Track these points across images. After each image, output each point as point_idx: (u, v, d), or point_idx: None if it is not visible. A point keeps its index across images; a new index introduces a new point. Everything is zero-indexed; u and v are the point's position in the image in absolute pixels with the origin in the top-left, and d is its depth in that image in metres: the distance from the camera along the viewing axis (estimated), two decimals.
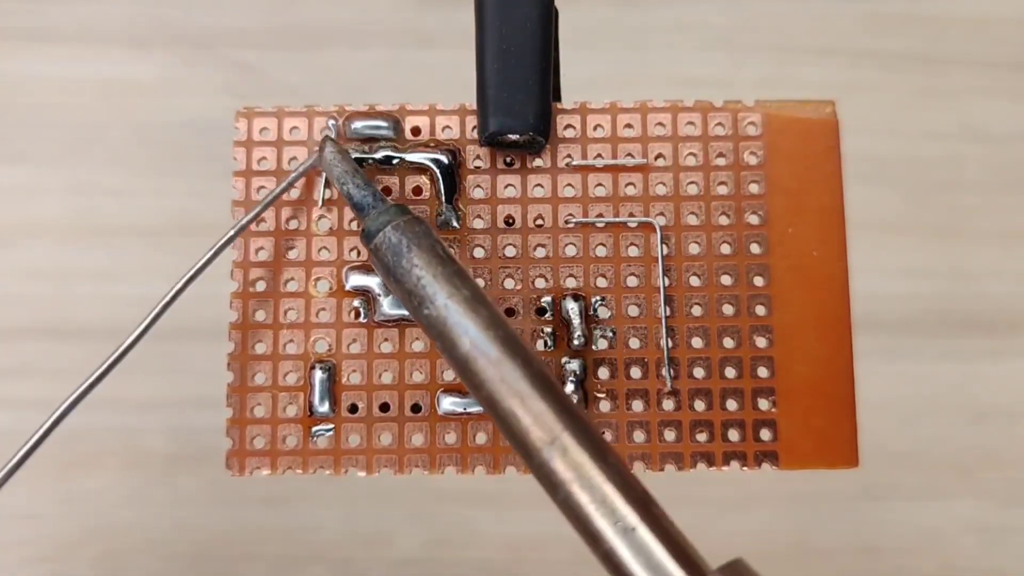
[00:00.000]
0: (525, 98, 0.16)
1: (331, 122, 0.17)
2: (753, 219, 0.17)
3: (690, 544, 0.13)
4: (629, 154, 0.17)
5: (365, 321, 0.17)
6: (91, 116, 0.34)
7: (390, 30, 0.35)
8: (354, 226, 0.17)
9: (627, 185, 0.17)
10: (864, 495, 0.31)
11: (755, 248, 0.17)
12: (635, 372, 0.16)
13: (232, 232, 0.16)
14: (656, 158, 0.17)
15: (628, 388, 0.16)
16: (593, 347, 0.17)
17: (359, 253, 0.17)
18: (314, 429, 0.16)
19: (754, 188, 0.17)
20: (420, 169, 0.17)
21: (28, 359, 0.32)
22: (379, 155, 0.17)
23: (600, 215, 0.17)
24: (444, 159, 0.17)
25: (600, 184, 0.17)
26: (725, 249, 0.17)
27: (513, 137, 0.16)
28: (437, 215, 0.17)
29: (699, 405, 0.16)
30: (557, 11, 0.17)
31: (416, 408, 0.16)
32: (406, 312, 0.16)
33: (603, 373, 0.16)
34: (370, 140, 0.17)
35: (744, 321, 0.17)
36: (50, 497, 0.31)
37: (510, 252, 0.17)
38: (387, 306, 0.16)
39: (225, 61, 0.34)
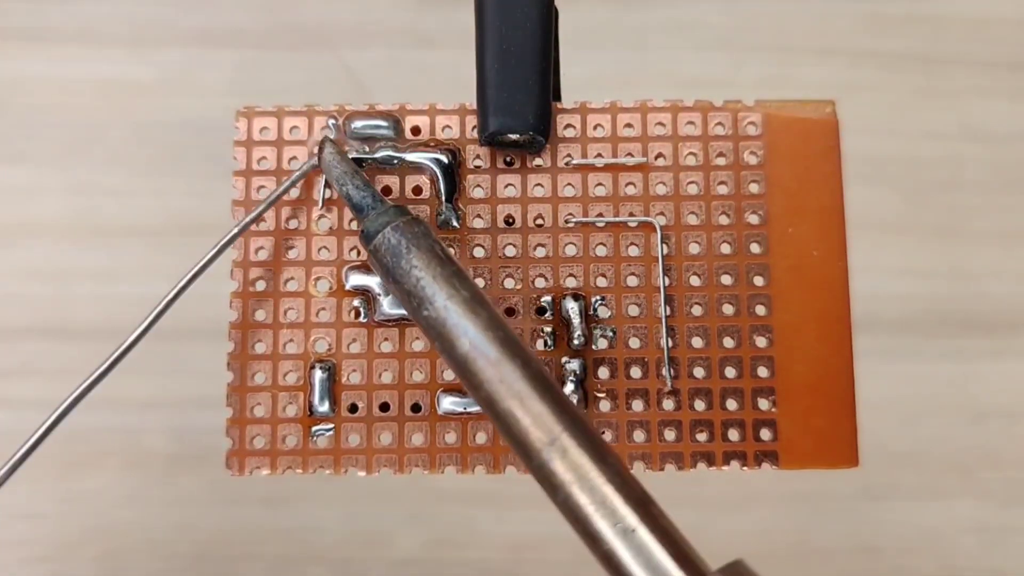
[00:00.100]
0: (525, 98, 0.16)
1: (331, 122, 0.17)
2: (753, 219, 0.17)
3: (690, 545, 0.12)
4: (629, 153, 0.17)
5: (365, 321, 0.17)
6: (91, 116, 0.34)
7: (390, 30, 0.35)
8: (354, 226, 0.17)
9: (627, 185, 0.17)
10: (864, 495, 0.31)
11: (755, 248, 0.17)
12: (635, 372, 0.16)
13: (233, 232, 0.16)
14: (656, 158, 0.17)
15: (628, 388, 0.16)
16: (593, 347, 0.17)
17: (359, 253, 0.17)
18: (314, 429, 0.16)
19: (754, 188, 0.17)
20: (420, 169, 0.17)
21: (28, 359, 0.32)
22: (379, 155, 0.17)
23: (600, 215, 0.17)
24: (444, 159, 0.17)
25: (600, 184, 0.17)
26: (725, 249, 0.17)
27: (513, 137, 0.16)
28: (437, 215, 0.17)
29: (699, 405, 0.16)
30: (557, 11, 0.17)
31: (416, 408, 0.16)
32: (406, 312, 0.16)
33: (603, 373, 0.16)
34: (370, 140, 0.17)
35: (744, 321, 0.17)
36: (50, 497, 0.31)
37: (510, 252, 0.17)
38: (387, 306, 0.16)
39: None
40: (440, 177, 0.17)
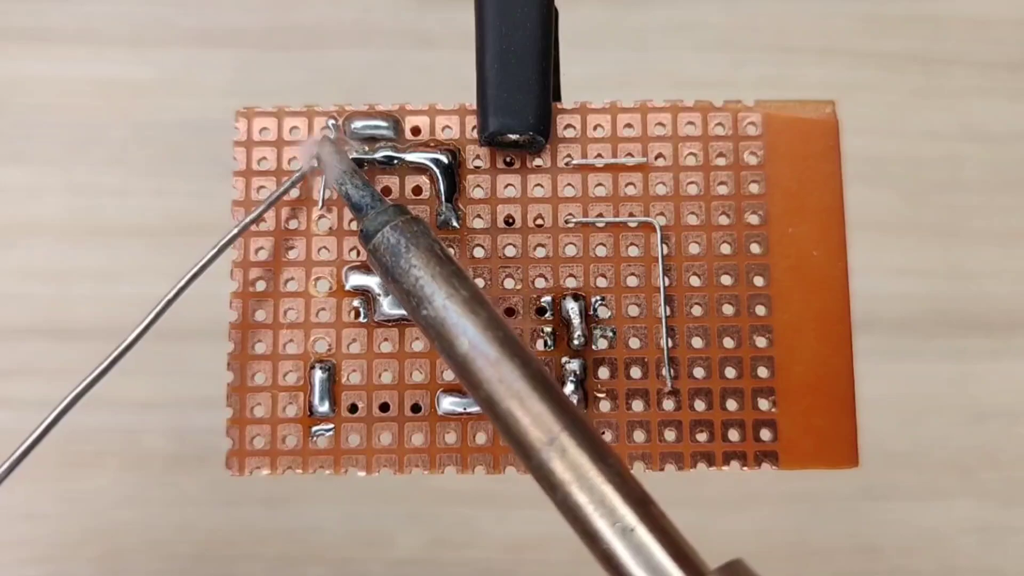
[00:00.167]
0: (525, 98, 0.16)
1: (331, 122, 0.17)
2: (753, 219, 0.17)
3: (689, 544, 0.12)
4: (629, 154, 0.17)
5: (365, 321, 0.17)
6: (91, 116, 0.34)
7: (390, 30, 0.35)
8: (354, 226, 0.17)
9: (627, 185, 0.17)
10: (864, 495, 0.31)
11: (755, 248, 0.17)
12: (635, 372, 0.16)
13: (233, 232, 0.16)
14: (656, 158, 0.17)
15: (628, 388, 0.16)
16: (593, 347, 0.17)
17: (359, 253, 0.17)
18: (314, 429, 0.16)
19: (754, 188, 0.17)
20: (420, 169, 0.17)
21: (28, 359, 0.32)
22: (379, 155, 0.17)
23: (600, 215, 0.17)
24: (444, 159, 0.17)
25: (600, 184, 0.17)
26: (725, 249, 0.17)
27: (513, 137, 0.16)
28: (437, 215, 0.17)
29: (699, 405, 0.16)
30: (557, 11, 0.17)
31: (416, 408, 0.16)
32: (405, 311, 0.16)
33: (603, 373, 0.16)
34: (370, 140, 0.17)
35: (744, 321, 0.17)
36: (50, 497, 0.31)
37: (510, 252, 0.17)
38: (387, 306, 0.16)
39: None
40: (440, 177, 0.17)
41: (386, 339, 0.17)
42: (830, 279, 0.17)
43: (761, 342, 0.16)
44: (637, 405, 0.16)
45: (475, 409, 0.16)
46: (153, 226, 0.33)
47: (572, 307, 0.17)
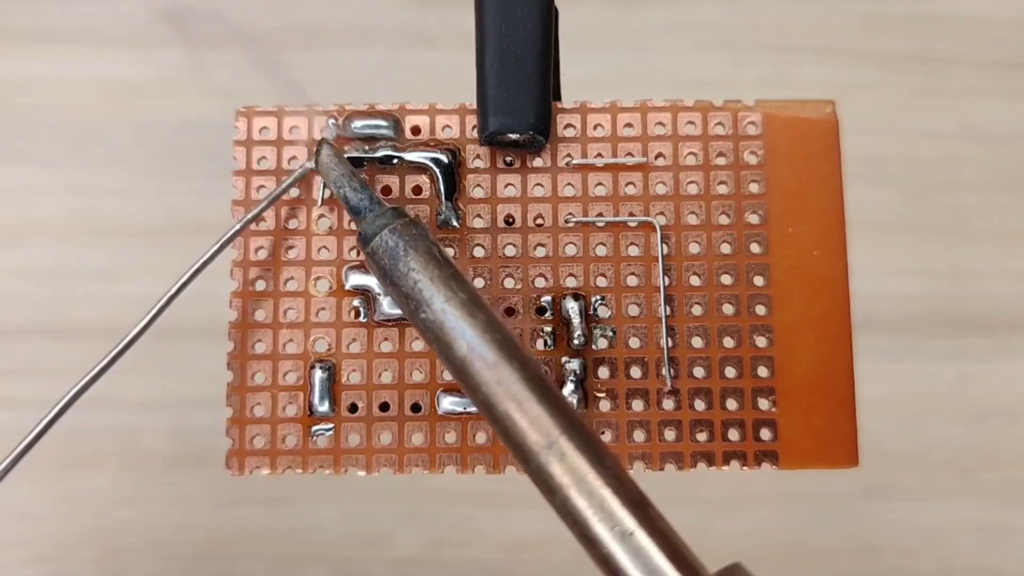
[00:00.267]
0: (525, 98, 0.16)
1: (331, 121, 0.17)
2: (753, 219, 0.17)
3: (688, 548, 0.12)
4: (629, 153, 0.17)
5: (365, 320, 0.17)
6: (91, 116, 0.34)
7: (390, 30, 0.35)
8: (354, 225, 0.17)
9: (627, 184, 0.17)
10: (864, 495, 0.31)
11: (755, 248, 0.17)
12: (635, 372, 0.16)
13: (233, 231, 0.16)
14: (656, 157, 0.17)
15: (628, 388, 0.16)
16: (593, 347, 0.17)
17: (359, 253, 0.17)
18: (314, 429, 0.16)
19: (754, 188, 0.17)
20: (420, 168, 0.17)
21: (28, 359, 0.32)
22: (379, 154, 0.17)
23: (600, 214, 0.17)
24: (444, 158, 0.17)
25: (600, 183, 0.17)
26: (725, 249, 0.17)
27: (513, 136, 0.16)
28: (437, 214, 0.17)
29: (699, 405, 0.16)
30: (557, 11, 0.17)
31: (416, 408, 0.16)
32: (404, 315, 0.16)
33: (603, 373, 0.16)
34: (370, 139, 0.17)
35: (744, 321, 0.17)
36: (50, 497, 0.31)
37: (510, 252, 0.17)
38: (387, 305, 0.16)
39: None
40: (440, 177, 0.17)
41: (386, 339, 0.17)
42: (830, 279, 0.17)
43: (761, 342, 0.16)
44: (637, 405, 0.16)
45: (475, 409, 0.16)
46: (153, 226, 0.33)
47: (572, 307, 0.17)
